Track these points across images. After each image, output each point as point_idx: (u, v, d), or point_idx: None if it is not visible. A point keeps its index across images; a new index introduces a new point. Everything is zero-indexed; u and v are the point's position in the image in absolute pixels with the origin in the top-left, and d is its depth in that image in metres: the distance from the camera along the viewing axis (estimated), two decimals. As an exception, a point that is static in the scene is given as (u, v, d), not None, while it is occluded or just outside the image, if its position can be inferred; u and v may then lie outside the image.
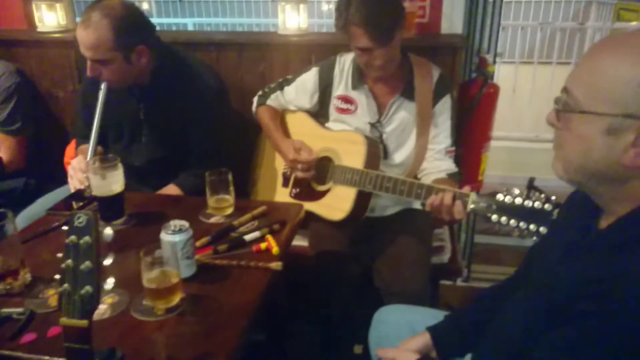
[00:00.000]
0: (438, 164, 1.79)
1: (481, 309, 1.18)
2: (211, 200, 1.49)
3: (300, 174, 1.83)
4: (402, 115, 1.80)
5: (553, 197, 1.26)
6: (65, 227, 0.87)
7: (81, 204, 1.56)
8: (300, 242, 1.90)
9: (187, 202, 1.65)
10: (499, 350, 0.96)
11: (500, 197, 1.37)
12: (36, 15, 2.35)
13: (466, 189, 1.46)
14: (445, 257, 1.92)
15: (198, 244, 1.32)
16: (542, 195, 1.36)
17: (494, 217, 1.38)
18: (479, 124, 2.10)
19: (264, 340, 1.87)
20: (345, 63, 1.84)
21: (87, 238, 0.85)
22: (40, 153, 2.24)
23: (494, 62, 2.24)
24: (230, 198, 1.50)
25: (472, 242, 2.60)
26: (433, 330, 1.19)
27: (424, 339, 1.19)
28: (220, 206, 1.49)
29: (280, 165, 1.98)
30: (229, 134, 1.96)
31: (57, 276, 0.86)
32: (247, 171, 2.10)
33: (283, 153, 1.87)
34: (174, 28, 5.22)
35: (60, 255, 0.86)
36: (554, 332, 0.79)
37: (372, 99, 1.80)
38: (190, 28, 5.16)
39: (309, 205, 1.82)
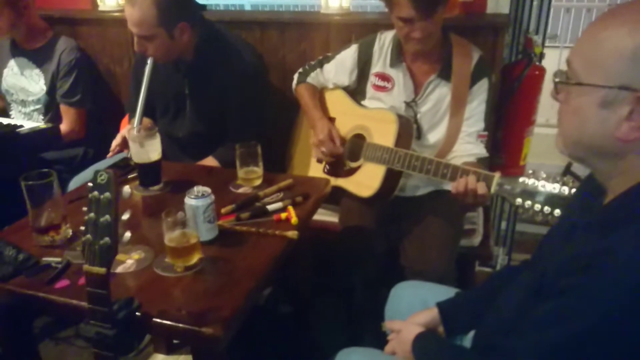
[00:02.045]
0: (469, 148, 1.77)
1: (491, 288, 1.18)
2: (241, 172, 1.57)
3: (319, 155, 1.88)
4: (437, 95, 1.78)
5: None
6: (89, 184, 0.94)
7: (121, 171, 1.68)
8: (331, 217, 1.95)
9: (220, 173, 1.74)
10: (494, 326, 0.97)
11: (524, 179, 1.35)
12: (98, -5, 2.52)
13: (497, 174, 1.44)
14: (476, 240, 1.90)
15: (223, 211, 1.40)
16: (572, 182, 1.33)
17: (518, 200, 1.36)
18: (521, 106, 2.03)
19: (290, 312, 1.95)
20: (385, 40, 1.85)
21: (107, 194, 0.94)
22: (99, 125, 2.41)
23: (543, 44, 2.15)
24: (258, 170, 1.57)
25: (514, 230, 2.53)
26: (442, 305, 1.21)
27: (432, 314, 1.21)
28: (249, 177, 1.56)
29: (312, 146, 2.02)
30: (270, 111, 2.03)
31: (82, 227, 0.94)
32: (285, 147, 2.16)
33: (316, 131, 1.91)
34: (231, 9, 5.36)
35: (84, 209, 0.95)
36: (537, 308, 0.79)
37: (409, 77, 1.80)
38: (247, 8, 5.27)
39: (340, 182, 1.86)
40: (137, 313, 1.02)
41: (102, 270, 0.95)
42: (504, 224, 2.55)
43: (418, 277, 1.61)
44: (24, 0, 2.14)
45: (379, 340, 1.30)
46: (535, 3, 2.09)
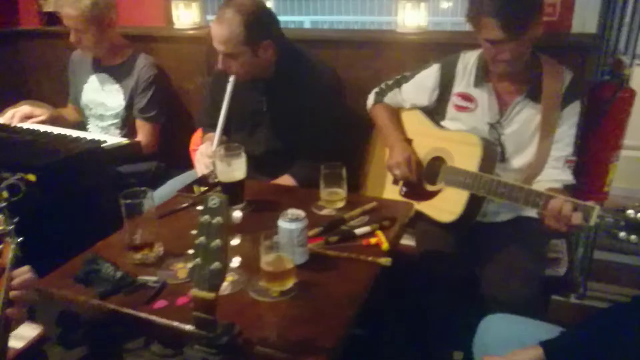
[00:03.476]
0: (554, 173, 1.69)
1: (599, 328, 1.11)
2: (324, 193, 1.55)
3: (396, 174, 1.84)
4: (524, 117, 1.72)
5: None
6: (199, 207, 0.94)
7: (203, 188, 1.69)
8: (405, 240, 1.90)
9: (300, 193, 1.73)
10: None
11: (631, 213, 1.27)
12: (174, 13, 2.58)
13: (597, 206, 1.37)
14: (561, 270, 1.81)
15: (310, 233, 1.38)
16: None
17: (622, 234, 1.28)
18: (609, 130, 1.94)
19: (362, 335, 1.90)
20: (469, 60, 1.80)
21: (219, 218, 0.93)
22: (170, 140, 2.46)
23: (631, 64, 2.05)
24: (342, 192, 1.55)
25: (591, 257, 2.41)
26: (547, 345, 1.14)
27: (535, 353, 1.14)
28: (332, 199, 1.54)
29: (386, 166, 1.98)
30: (343, 130, 2.01)
31: (191, 251, 0.94)
32: (357, 166, 2.13)
33: (393, 153, 1.86)
34: (291, 26, 5.43)
35: (194, 232, 0.95)
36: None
37: (495, 97, 1.74)
38: (306, 26, 5.33)
39: (418, 205, 1.81)
40: (238, 339, 1.01)
41: (211, 295, 0.94)
42: (580, 250, 2.43)
43: (501, 306, 1.55)
44: (108, 18, 2.22)
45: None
46: (626, 20, 1.99)
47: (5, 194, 1.00)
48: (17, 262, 0.98)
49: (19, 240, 0.99)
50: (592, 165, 2.01)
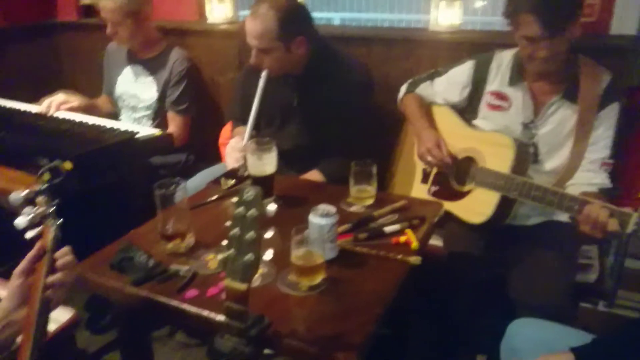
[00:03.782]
0: (589, 176, 1.65)
1: (634, 338, 1.08)
2: (353, 190, 1.55)
3: (429, 160, 1.80)
4: (559, 117, 1.69)
5: None
6: (234, 199, 0.95)
7: (230, 182, 1.71)
8: (432, 241, 1.88)
9: (329, 189, 1.73)
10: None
11: (671, 220, 1.24)
12: (207, 7, 2.61)
13: (635, 213, 1.34)
14: (592, 276, 1.77)
15: (339, 230, 1.38)
16: None
17: (660, 241, 1.25)
18: (647, 135, 1.89)
19: (388, 334, 1.90)
20: (504, 58, 1.78)
21: (253, 211, 0.94)
22: (199, 133, 2.49)
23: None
24: (371, 189, 1.54)
25: (622, 265, 2.35)
26: (579, 352, 1.12)
27: (566, 358, 1.12)
28: (362, 196, 1.54)
29: (420, 161, 1.97)
30: (372, 127, 2.01)
31: (224, 242, 0.95)
32: (385, 164, 2.12)
33: (422, 140, 1.83)
34: (320, 22, 5.40)
35: (228, 223, 0.96)
36: None
37: (530, 97, 1.72)
38: (336, 23, 5.31)
39: (447, 205, 1.79)
40: (267, 331, 1.02)
41: (244, 286, 0.94)
42: (610, 258, 2.38)
43: (530, 311, 1.53)
44: (144, 11, 2.25)
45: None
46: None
47: (47, 176, 1.02)
48: (57, 244, 1.01)
49: (59, 222, 1.02)
50: (629, 170, 1.97)
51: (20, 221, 0.99)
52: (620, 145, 1.92)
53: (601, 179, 1.65)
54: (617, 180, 1.99)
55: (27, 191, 1.01)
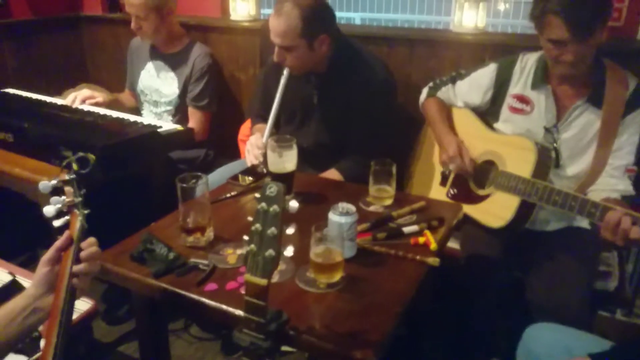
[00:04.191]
0: (612, 182, 1.63)
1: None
2: (372, 189, 1.55)
3: (451, 168, 1.81)
4: (583, 121, 1.67)
5: None
6: (257, 195, 0.96)
7: (249, 179, 1.72)
8: (450, 243, 1.87)
9: (348, 187, 1.73)
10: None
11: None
12: (231, 4, 2.63)
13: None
14: (612, 284, 1.75)
15: (358, 228, 1.38)
16: None
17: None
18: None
19: (404, 336, 1.89)
20: (528, 61, 1.76)
21: (275, 207, 0.95)
22: (219, 128, 2.51)
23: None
24: (391, 189, 1.54)
25: (641, 273, 2.32)
26: (597, 358, 1.11)
27: (583, 365, 1.12)
28: (381, 196, 1.54)
29: (439, 162, 1.96)
30: (392, 127, 2.00)
31: (245, 237, 0.96)
32: (405, 164, 2.12)
33: (444, 146, 1.84)
34: (342, 22, 5.42)
35: (250, 218, 0.96)
36: None
37: (553, 100, 1.70)
38: (356, 22, 5.32)
39: (466, 208, 1.77)
40: (286, 326, 1.02)
41: (264, 281, 0.95)
42: (630, 265, 2.34)
43: (548, 316, 1.51)
44: (168, 7, 2.27)
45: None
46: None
47: (75, 166, 1.04)
48: (84, 234, 1.02)
49: (86, 212, 1.04)
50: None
51: (49, 210, 1.01)
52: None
53: (624, 186, 1.63)
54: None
55: (56, 180, 1.03)
